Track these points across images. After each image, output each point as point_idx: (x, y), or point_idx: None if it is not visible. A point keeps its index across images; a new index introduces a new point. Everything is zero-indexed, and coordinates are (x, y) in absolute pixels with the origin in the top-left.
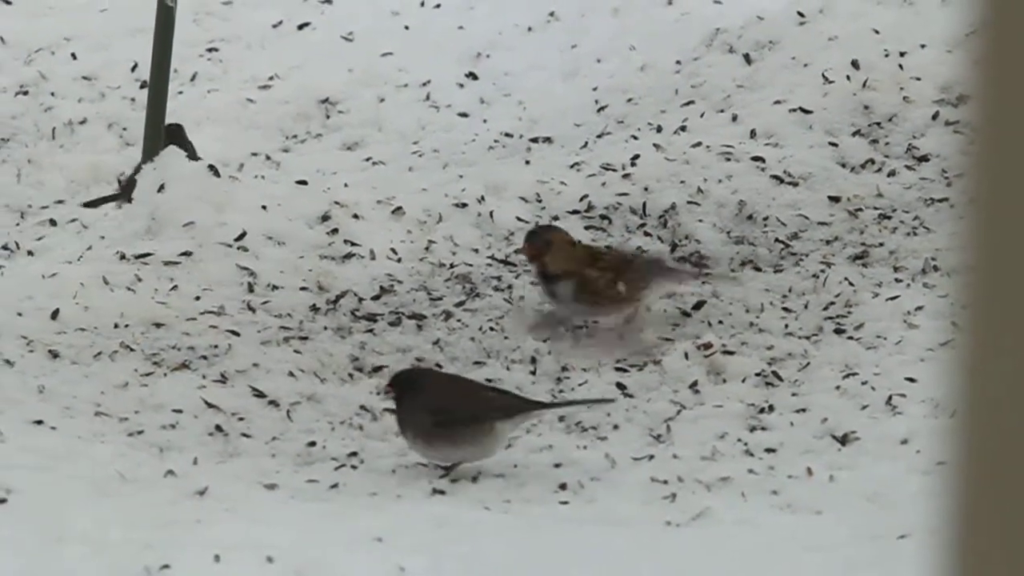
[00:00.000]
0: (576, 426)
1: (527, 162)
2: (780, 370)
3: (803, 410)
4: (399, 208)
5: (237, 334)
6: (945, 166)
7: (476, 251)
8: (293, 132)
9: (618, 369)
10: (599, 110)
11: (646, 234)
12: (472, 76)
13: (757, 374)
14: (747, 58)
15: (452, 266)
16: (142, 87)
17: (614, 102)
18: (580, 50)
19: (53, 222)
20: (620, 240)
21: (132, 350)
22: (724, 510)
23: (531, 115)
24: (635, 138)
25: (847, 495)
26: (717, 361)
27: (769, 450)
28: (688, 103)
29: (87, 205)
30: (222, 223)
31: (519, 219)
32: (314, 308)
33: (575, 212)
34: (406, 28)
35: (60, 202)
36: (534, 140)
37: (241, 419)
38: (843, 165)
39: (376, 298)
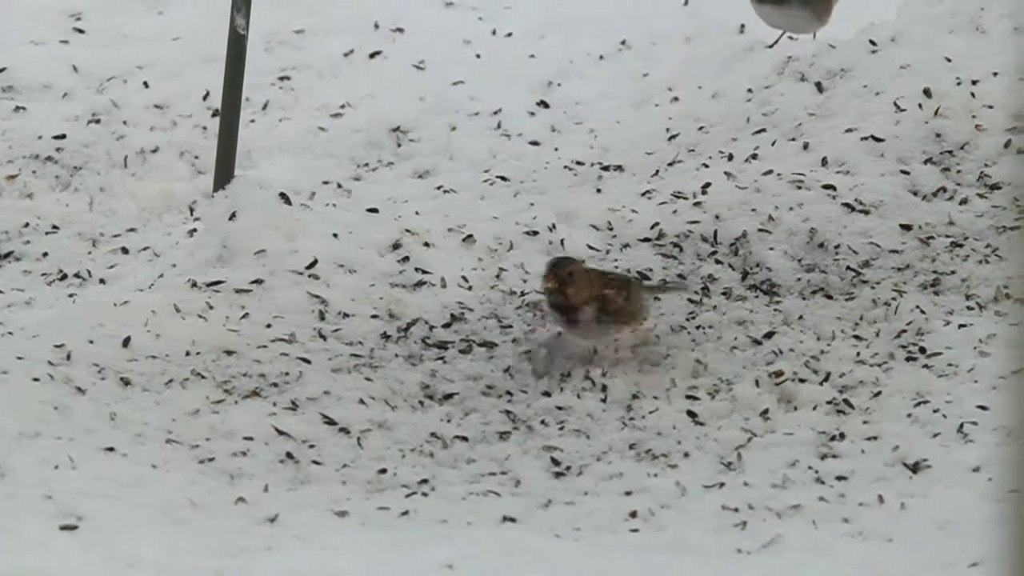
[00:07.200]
0: (647, 454)
1: (598, 190)
2: (851, 398)
3: (874, 438)
4: (470, 236)
5: (308, 361)
6: (1017, 194)
7: None
8: (364, 160)
9: (689, 397)
10: (670, 138)
11: (717, 262)
12: (543, 104)
13: (828, 402)
14: (819, 86)
15: (523, 294)
16: (214, 115)
17: (685, 130)
18: (652, 78)
19: (125, 250)
20: (691, 267)
21: (203, 377)
22: (795, 538)
23: (602, 143)
24: (706, 166)
25: (918, 523)
26: (788, 389)
27: (840, 478)
28: (759, 131)
29: None
30: (293, 251)
31: (590, 247)
32: (385, 336)
33: (646, 240)
34: (478, 56)
35: (132, 230)
36: (605, 168)
37: (312, 446)
38: (915, 193)
39: (447, 326)
